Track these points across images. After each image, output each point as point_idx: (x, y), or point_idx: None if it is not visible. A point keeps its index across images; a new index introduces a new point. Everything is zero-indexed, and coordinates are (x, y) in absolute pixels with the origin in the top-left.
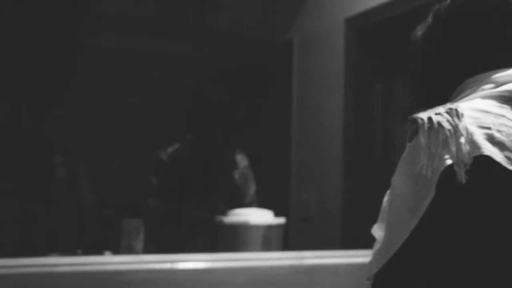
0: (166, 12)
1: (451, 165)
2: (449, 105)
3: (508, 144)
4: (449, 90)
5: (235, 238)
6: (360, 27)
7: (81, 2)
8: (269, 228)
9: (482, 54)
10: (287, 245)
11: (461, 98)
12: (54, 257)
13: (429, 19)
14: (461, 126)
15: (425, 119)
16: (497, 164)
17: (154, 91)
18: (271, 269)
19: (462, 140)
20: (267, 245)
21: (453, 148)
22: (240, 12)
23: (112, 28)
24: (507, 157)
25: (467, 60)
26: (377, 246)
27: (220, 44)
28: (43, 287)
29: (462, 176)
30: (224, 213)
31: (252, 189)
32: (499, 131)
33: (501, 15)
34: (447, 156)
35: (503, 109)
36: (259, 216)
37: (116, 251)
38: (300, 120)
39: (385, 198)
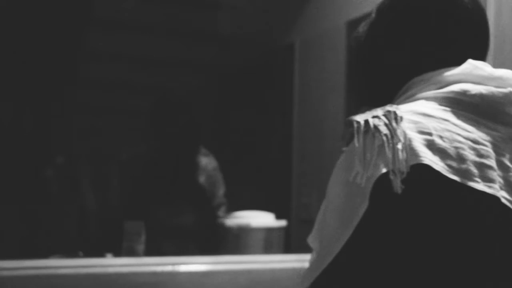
0: (166, 14)
1: (386, 174)
2: (388, 107)
3: (451, 151)
4: (394, 89)
5: (236, 241)
6: None
7: (83, 4)
8: (270, 231)
9: (427, 51)
10: (288, 248)
11: (405, 99)
12: (55, 259)
13: (373, 15)
14: (399, 131)
15: (362, 122)
16: (437, 173)
17: (155, 93)
18: (272, 272)
19: (399, 146)
20: (268, 248)
21: (389, 155)
22: (241, 15)
23: (114, 31)
24: (449, 165)
25: (412, 57)
26: (313, 256)
27: (221, 46)
28: None
29: (397, 185)
30: (191, 216)
31: (221, 191)
32: (441, 137)
33: (445, 10)
34: (382, 164)
35: (447, 113)
36: (260, 219)
37: (117, 253)
38: (302, 123)
39: (322, 206)
